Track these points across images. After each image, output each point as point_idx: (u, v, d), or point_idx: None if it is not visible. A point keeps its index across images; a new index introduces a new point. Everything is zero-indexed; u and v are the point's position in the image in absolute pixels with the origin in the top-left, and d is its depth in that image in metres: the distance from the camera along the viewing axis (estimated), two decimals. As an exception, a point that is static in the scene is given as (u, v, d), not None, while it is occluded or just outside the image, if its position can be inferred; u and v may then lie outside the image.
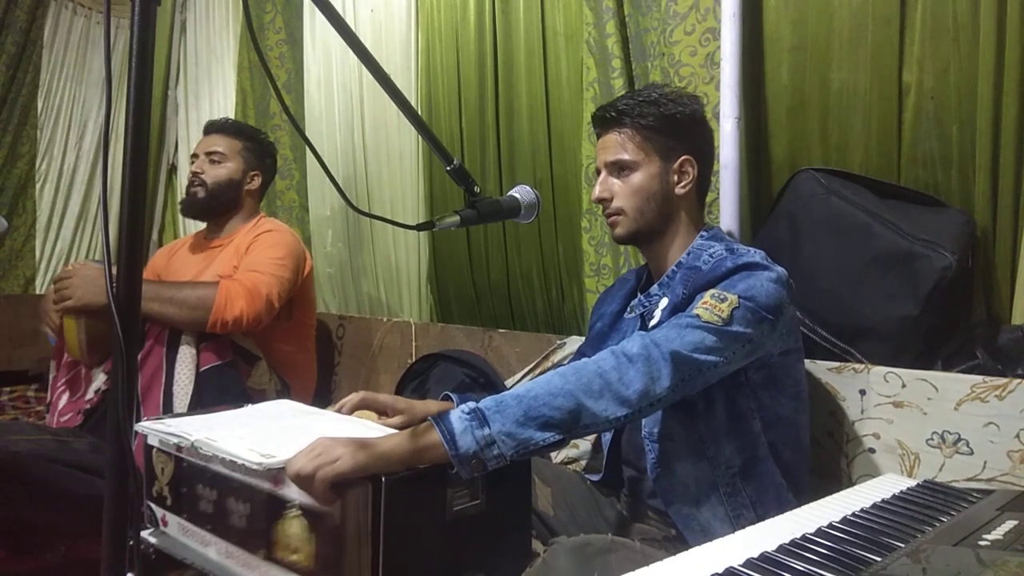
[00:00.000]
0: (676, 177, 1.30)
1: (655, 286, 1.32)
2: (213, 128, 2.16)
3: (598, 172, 1.34)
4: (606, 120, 1.32)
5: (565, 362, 1.70)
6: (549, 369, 1.84)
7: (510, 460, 0.96)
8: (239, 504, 1.02)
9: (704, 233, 1.32)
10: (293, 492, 0.94)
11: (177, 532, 1.13)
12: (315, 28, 2.63)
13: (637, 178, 1.29)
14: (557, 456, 1.78)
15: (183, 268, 2.09)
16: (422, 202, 2.36)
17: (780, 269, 1.18)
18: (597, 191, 1.32)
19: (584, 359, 1.08)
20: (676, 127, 1.29)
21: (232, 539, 1.03)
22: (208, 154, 2.09)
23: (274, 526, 0.96)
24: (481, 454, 0.95)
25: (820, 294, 1.42)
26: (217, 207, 2.09)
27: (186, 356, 1.73)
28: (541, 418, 0.98)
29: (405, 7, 2.35)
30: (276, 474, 0.95)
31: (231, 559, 1.03)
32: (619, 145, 1.30)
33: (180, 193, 2.87)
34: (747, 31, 1.62)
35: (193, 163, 2.12)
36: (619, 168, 1.30)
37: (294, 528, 0.94)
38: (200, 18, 3.20)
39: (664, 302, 1.26)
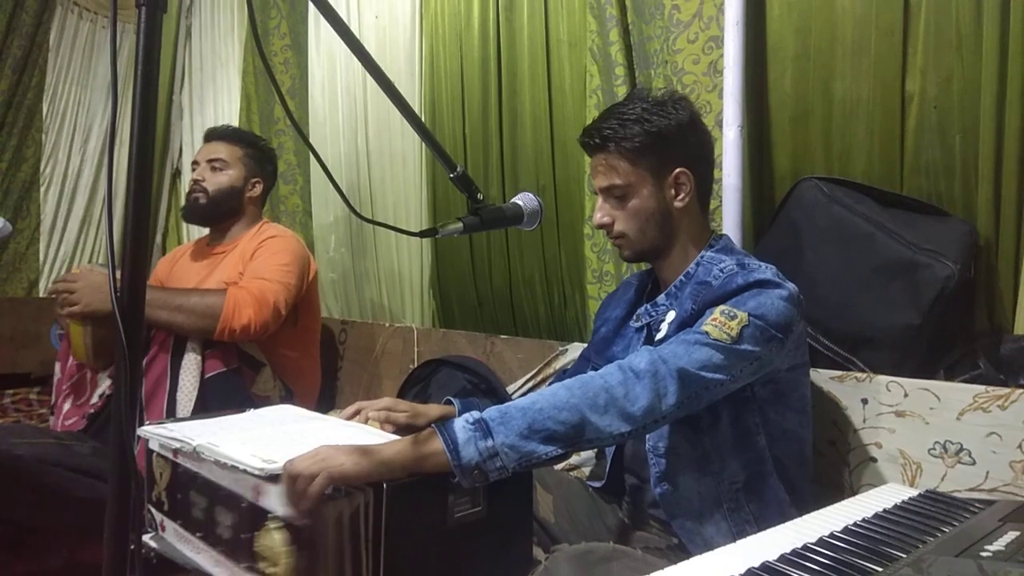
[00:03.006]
0: (673, 191, 1.27)
1: (662, 296, 1.30)
2: (214, 135, 2.14)
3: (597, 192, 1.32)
4: (591, 146, 1.29)
5: (568, 368, 1.70)
6: (551, 375, 1.84)
7: (512, 472, 0.96)
8: (225, 513, 1.02)
9: (713, 243, 1.30)
10: (274, 504, 0.93)
11: (173, 538, 1.13)
12: (319, 34, 2.65)
13: (633, 202, 1.26)
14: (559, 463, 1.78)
15: (186, 275, 2.08)
16: (425, 208, 2.36)
17: (791, 286, 1.16)
18: (597, 217, 1.30)
19: (591, 372, 1.07)
20: (663, 142, 1.24)
21: (219, 548, 1.03)
22: (209, 161, 2.07)
23: (255, 537, 0.96)
24: (483, 465, 0.95)
25: (822, 303, 1.41)
26: (219, 214, 2.08)
27: (191, 363, 1.73)
28: (545, 431, 0.98)
29: (409, 14, 2.36)
30: (258, 484, 0.95)
31: (219, 567, 1.03)
32: (609, 170, 1.26)
33: (183, 198, 2.88)
34: (750, 39, 1.62)
35: (194, 171, 2.10)
36: (613, 193, 1.28)
37: (274, 540, 0.93)
38: (205, 23, 3.22)
39: (672, 315, 1.25)
